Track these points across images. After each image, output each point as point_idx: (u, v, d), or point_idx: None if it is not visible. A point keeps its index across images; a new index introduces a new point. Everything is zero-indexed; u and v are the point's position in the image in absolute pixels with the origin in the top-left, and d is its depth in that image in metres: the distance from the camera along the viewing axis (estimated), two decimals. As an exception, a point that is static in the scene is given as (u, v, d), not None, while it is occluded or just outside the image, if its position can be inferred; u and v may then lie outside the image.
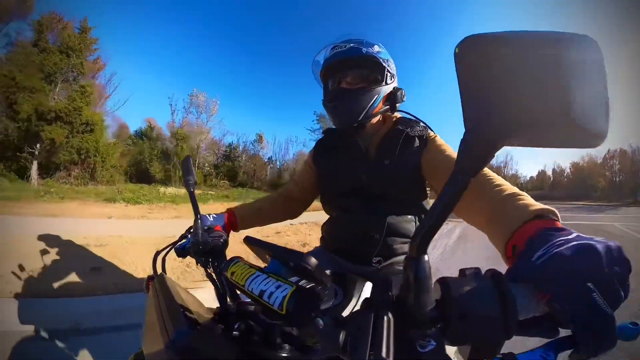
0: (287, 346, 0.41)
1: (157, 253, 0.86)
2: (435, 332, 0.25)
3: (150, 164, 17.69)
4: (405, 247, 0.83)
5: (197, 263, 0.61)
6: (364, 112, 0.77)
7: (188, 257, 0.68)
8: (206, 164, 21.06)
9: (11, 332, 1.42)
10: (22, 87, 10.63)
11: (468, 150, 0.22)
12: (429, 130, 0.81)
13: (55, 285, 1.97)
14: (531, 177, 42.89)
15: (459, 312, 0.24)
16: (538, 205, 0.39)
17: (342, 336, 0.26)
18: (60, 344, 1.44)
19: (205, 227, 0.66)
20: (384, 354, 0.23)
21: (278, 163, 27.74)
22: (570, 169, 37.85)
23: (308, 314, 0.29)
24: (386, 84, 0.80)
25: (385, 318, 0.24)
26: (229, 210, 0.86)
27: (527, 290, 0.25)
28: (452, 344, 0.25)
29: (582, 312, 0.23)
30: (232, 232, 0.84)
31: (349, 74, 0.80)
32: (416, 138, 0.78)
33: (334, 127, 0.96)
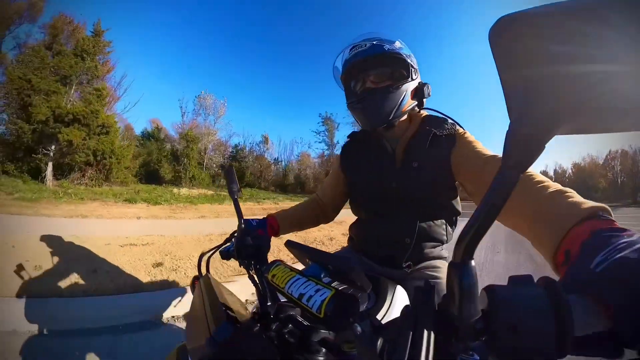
0: (323, 350, 0.42)
1: (202, 255, 0.94)
2: (480, 346, 0.23)
3: (160, 165, 17.49)
4: (435, 252, 0.81)
5: (240, 265, 0.66)
6: (395, 110, 0.76)
7: (232, 259, 0.73)
8: (213, 165, 21.39)
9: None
10: (38, 89, 10.80)
11: (515, 143, 0.20)
12: (458, 127, 0.77)
13: (130, 281, 2.25)
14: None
15: (508, 324, 0.22)
16: (590, 203, 0.34)
17: (379, 344, 0.26)
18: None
19: (249, 231, 0.70)
20: None
21: (283, 164, 28.00)
22: (572, 169, 36.80)
23: (346, 319, 0.29)
24: (412, 79, 0.79)
25: (426, 328, 0.23)
26: (270, 216, 0.90)
27: (586, 302, 0.22)
28: None
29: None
30: (272, 237, 0.88)
31: (374, 72, 0.79)
32: (444, 137, 0.74)
33: (357, 130, 0.96)
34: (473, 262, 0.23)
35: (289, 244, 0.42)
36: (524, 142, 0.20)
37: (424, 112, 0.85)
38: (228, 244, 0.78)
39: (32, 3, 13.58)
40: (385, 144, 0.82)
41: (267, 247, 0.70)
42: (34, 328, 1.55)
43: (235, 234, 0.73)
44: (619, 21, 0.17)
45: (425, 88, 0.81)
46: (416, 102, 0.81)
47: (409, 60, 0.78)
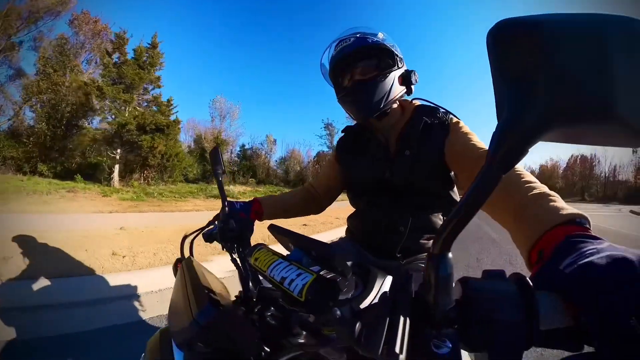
0: (303, 333, 0.43)
1: (185, 237, 0.93)
2: (453, 334, 0.24)
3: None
4: (431, 243, 0.81)
5: (222, 248, 0.65)
6: (385, 99, 0.76)
7: (215, 242, 0.72)
8: (229, 163, 23.72)
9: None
10: (111, 98, 12.18)
11: (501, 144, 0.20)
12: (451, 116, 0.77)
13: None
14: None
15: (480, 314, 0.23)
16: (570, 209, 0.36)
17: (357, 327, 0.26)
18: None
19: (232, 214, 0.69)
20: (397, 350, 0.23)
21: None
22: (538, 170, 43.08)
23: (326, 303, 0.29)
24: (398, 67, 0.79)
25: (402, 314, 0.24)
26: (256, 200, 0.89)
27: (553, 300, 0.24)
28: (469, 349, 0.24)
29: (612, 329, 0.21)
30: (257, 221, 0.87)
31: (360, 65, 0.79)
32: (437, 125, 0.75)
33: (350, 124, 0.96)
34: (450, 255, 0.24)
35: (273, 229, 0.41)
36: (509, 144, 0.20)
37: (417, 102, 0.85)
38: (211, 226, 0.76)
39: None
40: (378, 135, 0.83)
41: (250, 231, 0.69)
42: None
43: (219, 216, 0.71)
44: (616, 44, 0.18)
45: (412, 75, 0.81)
46: (405, 89, 0.81)
47: (393, 50, 0.78)
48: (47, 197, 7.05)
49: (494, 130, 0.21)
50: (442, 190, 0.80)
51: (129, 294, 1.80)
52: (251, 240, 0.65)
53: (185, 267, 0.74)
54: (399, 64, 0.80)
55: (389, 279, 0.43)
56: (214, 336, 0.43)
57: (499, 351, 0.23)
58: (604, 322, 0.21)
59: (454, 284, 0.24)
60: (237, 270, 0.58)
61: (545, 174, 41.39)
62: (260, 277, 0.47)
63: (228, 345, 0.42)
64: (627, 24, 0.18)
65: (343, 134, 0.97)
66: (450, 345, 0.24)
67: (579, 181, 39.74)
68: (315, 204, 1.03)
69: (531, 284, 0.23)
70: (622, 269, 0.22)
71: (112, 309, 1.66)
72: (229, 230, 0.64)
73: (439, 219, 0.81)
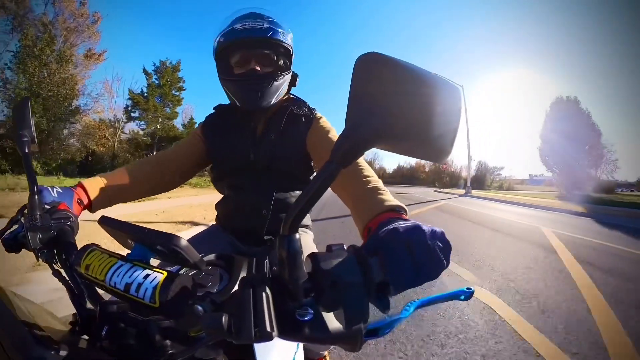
0: (168, 342, 0.37)
1: None
2: (311, 302, 0.27)
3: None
4: None
5: (37, 257, 0.45)
6: (275, 97, 0.79)
7: (23, 250, 0.49)
8: None
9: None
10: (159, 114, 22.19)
11: (343, 145, 0.25)
12: (315, 112, 0.87)
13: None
14: (394, 169, 72.01)
15: (329, 281, 0.27)
16: (393, 201, 0.50)
17: (224, 319, 0.25)
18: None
19: (46, 207, 0.49)
20: (268, 329, 0.24)
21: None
22: (414, 165, 66.50)
23: (184, 302, 0.26)
24: (290, 71, 0.83)
25: (264, 294, 0.25)
26: (80, 184, 0.66)
27: (376, 260, 0.31)
28: (327, 310, 0.28)
29: (401, 268, 0.30)
30: (85, 212, 0.66)
31: (262, 54, 0.77)
32: (302, 117, 0.83)
33: (224, 103, 0.92)
34: (298, 235, 0.27)
35: (104, 222, 0.32)
36: (349, 146, 0.25)
37: (289, 95, 0.92)
38: (15, 226, 0.49)
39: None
40: (249, 119, 0.84)
41: (75, 228, 0.50)
42: None
43: (25, 211, 0.48)
44: (436, 95, 0.25)
45: (296, 78, 0.88)
46: (287, 90, 0.86)
47: (292, 53, 0.81)
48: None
49: (340, 133, 0.25)
50: (301, 175, 0.87)
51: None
52: (77, 242, 0.47)
53: None
54: (291, 67, 0.83)
55: (246, 265, 0.44)
56: None
57: (350, 306, 0.28)
58: (396, 265, 0.30)
59: (304, 260, 0.27)
60: (64, 287, 0.42)
61: (416, 168, 63.90)
62: (99, 289, 0.36)
63: None
64: (448, 85, 0.26)
65: (214, 111, 0.92)
66: (312, 312, 0.27)
67: (432, 174, 62.11)
68: (165, 180, 0.85)
69: (363, 250, 0.30)
70: (413, 232, 0.32)
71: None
72: (43, 229, 0.44)
73: None
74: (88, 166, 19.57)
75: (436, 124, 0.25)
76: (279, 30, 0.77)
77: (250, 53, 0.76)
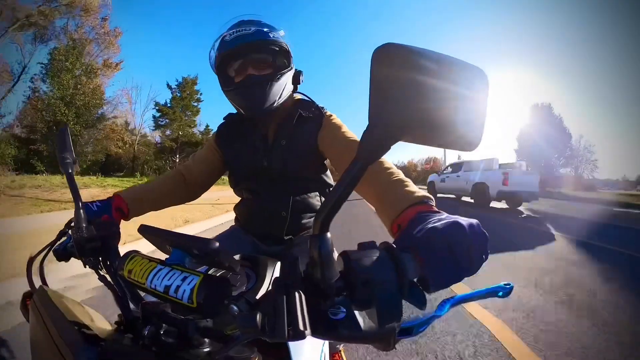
0: (206, 340, 0.39)
1: (31, 260, 0.65)
2: (344, 301, 0.27)
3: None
4: (312, 222, 0.90)
5: (84, 265, 0.50)
6: (277, 100, 0.78)
7: (73, 259, 0.54)
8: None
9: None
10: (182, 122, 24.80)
11: (368, 141, 0.24)
12: (325, 110, 0.85)
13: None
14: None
15: (361, 279, 0.26)
16: (420, 192, 0.48)
17: (258, 318, 0.26)
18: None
19: (90, 219, 0.53)
20: (301, 327, 0.24)
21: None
22: (406, 164, 65.91)
23: (220, 303, 0.27)
24: (290, 68, 0.81)
25: (297, 294, 0.25)
26: (116, 195, 0.72)
27: (411, 257, 0.30)
28: (360, 309, 0.28)
29: (443, 266, 0.29)
30: (123, 221, 0.71)
31: (257, 58, 0.76)
32: (311, 118, 0.82)
33: (233, 112, 0.92)
34: (329, 234, 0.27)
35: (144, 230, 0.34)
36: (375, 142, 0.24)
37: (297, 96, 0.90)
38: (64, 238, 0.56)
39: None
40: (258, 124, 0.84)
41: (117, 237, 0.54)
42: None
43: (72, 224, 0.53)
44: (461, 81, 0.24)
45: (300, 75, 0.85)
46: (292, 89, 0.85)
47: (289, 50, 0.80)
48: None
49: (364, 129, 0.25)
50: (315, 175, 0.88)
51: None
52: (120, 249, 0.52)
53: (38, 303, 0.52)
54: (292, 64, 0.81)
55: (278, 265, 0.44)
56: None
57: (383, 304, 0.27)
58: (438, 265, 0.29)
59: (335, 258, 0.27)
60: (110, 290, 0.46)
61: (408, 167, 64.46)
62: (140, 292, 0.39)
63: None
64: (473, 70, 0.24)
65: (224, 120, 0.93)
66: (345, 310, 0.26)
67: (422, 173, 64.31)
68: (189, 190, 0.92)
69: (396, 248, 0.29)
70: (453, 229, 0.30)
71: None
72: (88, 240, 0.48)
73: (316, 200, 0.88)
74: (109, 166, 21.44)
75: (463, 111, 0.23)
76: (267, 30, 0.76)
77: (245, 60, 0.76)
